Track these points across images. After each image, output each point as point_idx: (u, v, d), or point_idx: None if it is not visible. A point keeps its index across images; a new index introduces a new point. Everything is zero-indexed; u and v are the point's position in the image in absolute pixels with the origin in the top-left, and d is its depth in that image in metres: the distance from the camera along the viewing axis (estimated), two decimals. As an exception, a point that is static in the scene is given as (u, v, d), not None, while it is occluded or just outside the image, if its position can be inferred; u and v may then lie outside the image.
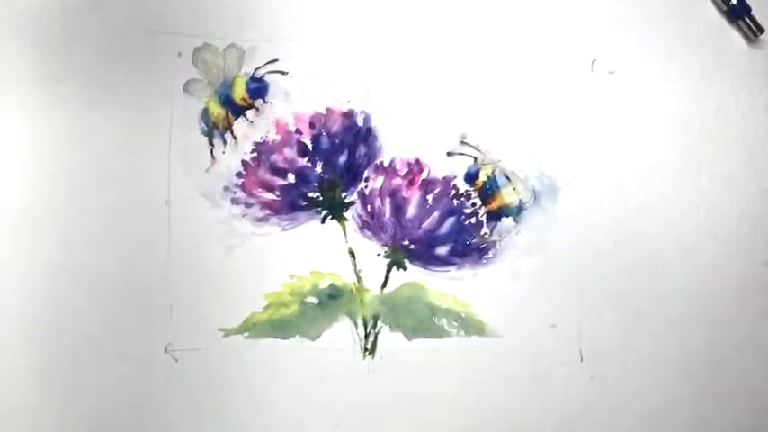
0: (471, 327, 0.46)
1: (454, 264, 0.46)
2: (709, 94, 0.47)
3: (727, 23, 0.47)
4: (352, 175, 0.46)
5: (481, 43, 0.47)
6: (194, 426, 0.46)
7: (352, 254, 0.46)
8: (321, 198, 0.46)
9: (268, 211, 0.46)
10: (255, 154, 0.46)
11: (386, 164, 0.46)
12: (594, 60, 0.47)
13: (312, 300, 0.46)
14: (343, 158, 0.46)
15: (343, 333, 0.46)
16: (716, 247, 0.46)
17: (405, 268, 0.46)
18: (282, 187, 0.46)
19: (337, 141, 0.46)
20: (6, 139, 0.46)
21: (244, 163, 0.46)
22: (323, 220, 0.46)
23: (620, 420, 0.46)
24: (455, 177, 0.46)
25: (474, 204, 0.46)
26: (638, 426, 0.46)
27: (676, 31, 0.47)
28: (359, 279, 0.46)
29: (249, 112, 0.47)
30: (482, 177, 0.46)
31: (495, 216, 0.46)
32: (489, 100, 0.47)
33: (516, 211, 0.46)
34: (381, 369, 0.46)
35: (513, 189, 0.46)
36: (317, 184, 0.46)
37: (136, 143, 0.46)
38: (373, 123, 0.46)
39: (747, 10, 0.46)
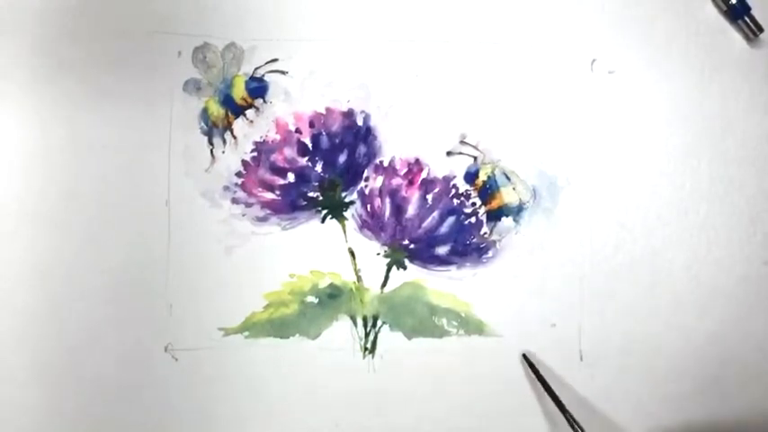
0: (471, 326, 0.46)
1: (454, 263, 0.46)
2: (710, 94, 0.47)
3: (727, 23, 0.47)
4: (351, 174, 0.46)
5: (481, 43, 0.47)
6: (194, 425, 0.46)
7: (351, 253, 0.46)
8: (321, 197, 0.46)
9: (268, 211, 0.46)
10: (255, 153, 0.46)
11: (386, 163, 0.46)
12: (594, 60, 0.47)
13: (312, 299, 0.46)
14: (343, 158, 0.46)
15: (343, 332, 0.46)
16: (716, 247, 0.46)
17: (404, 268, 0.46)
18: (282, 187, 0.46)
19: (337, 141, 0.46)
20: (6, 139, 0.46)
21: (244, 162, 0.46)
22: (323, 220, 0.46)
23: (620, 420, 0.46)
24: (455, 177, 0.46)
25: (474, 204, 0.46)
26: (637, 425, 0.46)
27: (676, 31, 0.47)
28: (359, 278, 0.46)
29: (249, 112, 0.47)
30: (482, 177, 0.46)
31: (494, 216, 0.46)
32: (489, 99, 0.47)
33: (516, 211, 0.46)
34: (381, 368, 0.46)
35: (513, 189, 0.46)
36: (317, 184, 0.46)
37: (136, 143, 0.46)
38: (373, 123, 0.46)
39: (747, 10, 0.46)
